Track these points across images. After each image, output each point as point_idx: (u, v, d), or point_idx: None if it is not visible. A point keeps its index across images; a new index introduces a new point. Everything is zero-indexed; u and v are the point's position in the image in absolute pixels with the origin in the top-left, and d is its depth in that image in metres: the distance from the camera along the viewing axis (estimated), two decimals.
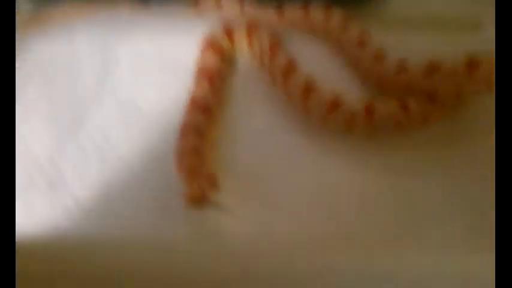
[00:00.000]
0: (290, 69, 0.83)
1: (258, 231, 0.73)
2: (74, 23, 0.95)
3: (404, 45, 0.86)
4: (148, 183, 0.78)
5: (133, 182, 0.79)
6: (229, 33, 0.88)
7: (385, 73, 0.81)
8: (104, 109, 0.86)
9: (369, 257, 0.71)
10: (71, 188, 0.79)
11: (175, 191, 0.72)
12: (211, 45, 0.87)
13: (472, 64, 0.75)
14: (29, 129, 0.84)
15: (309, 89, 0.81)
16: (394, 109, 0.78)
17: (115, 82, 0.89)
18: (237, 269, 0.70)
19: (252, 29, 0.88)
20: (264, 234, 0.73)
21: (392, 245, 0.72)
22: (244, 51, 0.90)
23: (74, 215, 0.76)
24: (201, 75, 0.85)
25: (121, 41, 0.92)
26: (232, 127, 0.83)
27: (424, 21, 0.91)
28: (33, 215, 0.76)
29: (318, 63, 0.88)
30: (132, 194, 0.78)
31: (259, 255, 0.72)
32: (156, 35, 0.93)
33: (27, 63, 0.91)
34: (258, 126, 0.83)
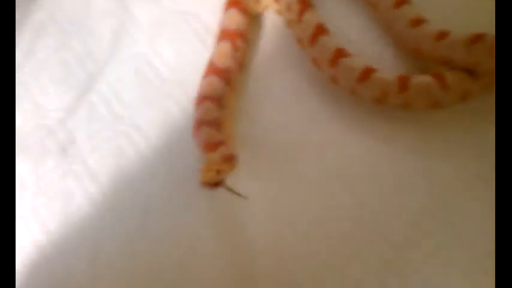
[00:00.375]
0: (319, 31, 0.76)
1: (279, 217, 0.69)
2: None
3: (447, 11, 0.78)
4: (164, 155, 0.74)
5: (148, 150, 0.75)
6: None
7: (422, 39, 0.74)
8: (119, 70, 0.81)
9: (393, 246, 0.66)
10: (82, 153, 0.75)
11: (194, 165, 0.67)
12: (236, 3, 0.80)
13: None
14: (39, 89, 0.80)
15: (338, 54, 0.74)
16: (430, 82, 0.72)
17: (131, 42, 0.83)
18: (257, 263, 0.67)
19: None
20: (285, 220, 0.69)
21: (418, 236, 0.67)
22: (270, 10, 0.83)
23: (84, 183, 0.73)
24: (222, 36, 0.78)
25: None
26: (254, 95, 0.77)
27: None
28: (44, 181, 0.73)
29: (350, 26, 0.81)
30: (147, 164, 0.74)
31: (282, 248, 0.67)
32: None
33: (39, 18, 0.86)
34: (282, 94, 0.77)
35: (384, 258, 0.66)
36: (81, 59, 0.82)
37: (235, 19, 0.79)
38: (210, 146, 0.67)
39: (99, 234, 0.70)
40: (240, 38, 0.78)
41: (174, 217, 0.70)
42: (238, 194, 0.65)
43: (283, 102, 0.77)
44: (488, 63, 0.70)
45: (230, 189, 0.65)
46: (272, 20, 0.83)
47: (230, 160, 0.66)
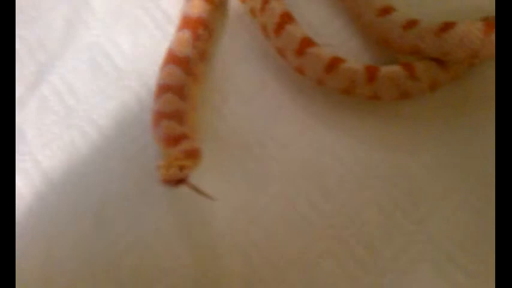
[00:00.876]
0: (285, 20, 0.73)
1: (245, 216, 0.65)
2: None
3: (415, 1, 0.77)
4: (121, 151, 0.70)
5: (103, 147, 0.70)
6: None
7: (390, 29, 0.72)
8: (72, 61, 0.76)
9: (363, 243, 0.64)
10: (32, 149, 0.70)
11: (153, 161, 0.63)
12: None
13: (490, 25, 0.66)
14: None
15: (305, 43, 0.71)
16: (399, 71, 0.69)
17: (85, 31, 0.78)
18: (221, 262, 0.63)
19: None
20: (250, 216, 0.65)
21: (388, 226, 0.65)
22: None
23: (34, 181, 0.68)
24: (183, 24, 0.74)
25: None
26: (218, 86, 0.74)
27: None
28: None
29: (315, 15, 0.78)
30: (103, 162, 0.69)
31: (247, 246, 0.64)
32: None
33: None
34: (246, 85, 0.74)
35: (355, 254, 0.63)
36: (31, 49, 0.77)
37: (198, 7, 0.75)
38: (171, 140, 0.63)
39: (51, 236, 0.65)
40: (202, 26, 0.74)
41: (132, 215, 0.66)
42: (203, 194, 0.61)
43: (248, 93, 0.73)
44: (457, 52, 0.68)
45: (194, 188, 0.60)
46: (235, 9, 0.79)
47: (193, 155, 0.62)
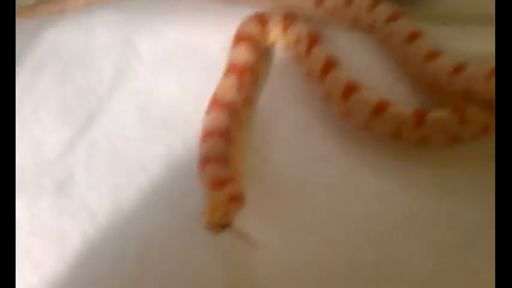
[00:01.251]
0: (330, 65, 0.74)
1: (287, 262, 0.64)
2: (91, 9, 0.87)
3: (461, 44, 0.76)
4: (167, 195, 0.70)
5: (149, 188, 0.70)
6: (263, 22, 0.79)
7: (439, 74, 0.71)
8: (121, 106, 0.78)
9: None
10: (80, 191, 0.71)
11: (197, 205, 0.63)
12: (245, 38, 0.77)
13: None
14: (38, 125, 0.77)
15: (350, 88, 0.71)
16: (448, 116, 0.68)
17: (134, 77, 0.80)
18: None
19: (288, 18, 0.79)
20: (293, 265, 0.64)
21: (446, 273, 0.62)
22: (278, 44, 0.80)
23: (82, 222, 0.68)
24: (229, 70, 0.75)
25: (142, 31, 0.84)
26: (262, 131, 0.74)
27: (484, 18, 0.80)
28: (39, 220, 0.69)
29: (361, 60, 0.78)
30: (148, 203, 0.69)
31: None
32: (182, 25, 0.84)
33: (40, 52, 0.83)
34: (290, 131, 0.74)
35: None
36: (82, 94, 0.79)
37: (244, 54, 0.76)
38: (217, 183, 0.63)
39: (96, 277, 0.65)
40: (248, 72, 0.75)
41: (175, 259, 0.65)
42: (248, 240, 0.60)
43: (292, 139, 0.73)
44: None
45: (239, 234, 0.59)
46: (280, 55, 0.80)
47: (238, 199, 0.61)
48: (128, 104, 0.78)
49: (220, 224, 0.58)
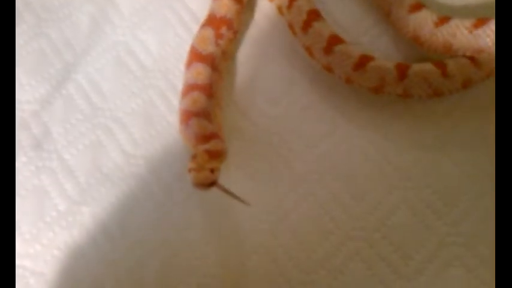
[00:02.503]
0: (312, 17, 0.72)
1: (272, 216, 0.64)
2: None
3: None
4: (146, 149, 0.69)
5: (128, 143, 0.69)
6: None
7: (422, 25, 0.70)
8: (98, 60, 0.76)
9: (395, 245, 0.62)
10: (57, 147, 0.69)
11: (177, 160, 0.62)
12: None
13: None
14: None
15: (333, 41, 0.70)
16: (430, 69, 0.67)
17: (111, 30, 0.78)
18: (247, 262, 0.62)
19: None
20: (277, 217, 0.64)
21: (420, 228, 0.63)
22: None
23: (59, 179, 0.67)
24: (206, 22, 0.73)
25: None
26: (244, 85, 0.73)
27: None
28: (16, 178, 0.68)
29: (344, 12, 0.76)
30: (127, 159, 0.68)
31: (274, 246, 0.62)
32: None
33: (16, 4, 0.80)
34: (273, 84, 0.72)
35: (386, 257, 0.61)
36: (57, 48, 0.77)
37: (225, 6, 0.74)
38: (202, 138, 0.62)
39: (75, 234, 0.65)
40: (225, 25, 0.73)
41: (158, 215, 0.65)
42: (235, 196, 0.59)
43: (275, 93, 0.72)
44: (492, 49, 0.66)
45: (226, 190, 0.59)
46: (263, 7, 0.78)
47: (221, 155, 0.61)
48: (105, 58, 0.76)
49: (208, 182, 0.57)
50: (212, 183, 0.58)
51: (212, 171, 0.58)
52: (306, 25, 0.72)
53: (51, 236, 0.64)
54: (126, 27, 0.78)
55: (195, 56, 0.71)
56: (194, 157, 0.59)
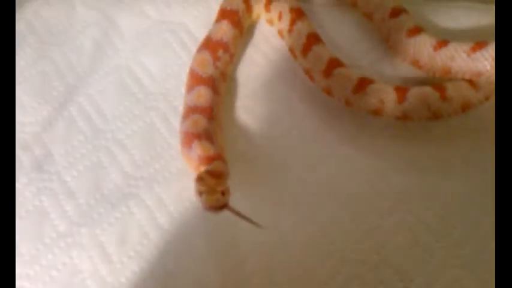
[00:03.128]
0: (312, 40, 0.73)
1: (271, 238, 0.63)
2: None
3: (443, 20, 0.76)
4: (147, 171, 0.69)
5: (129, 165, 0.69)
6: None
7: (421, 48, 0.71)
8: (100, 82, 0.76)
9: (394, 268, 0.62)
10: (58, 169, 0.70)
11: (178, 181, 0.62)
12: (228, 15, 0.76)
13: None
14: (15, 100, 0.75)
15: (332, 64, 0.71)
16: (429, 92, 0.68)
17: (114, 53, 0.79)
18: (247, 283, 0.61)
19: None
20: (277, 239, 0.63)
21: (420, 251, 0.62)
22: (261, 20, 0.79)
23: (60, 200, 0.67)
24: (203, 46, 0.74)
25: (123, 7, 0.83)
26: (244, 107, 0.73)
27: None
28: (16, 199, 0.68)
29: (343, 36, 0.78)
30: (128, 181, 0.68)
31: (273, 269, 0.62)
32: (162, 1, 0.83)
33: (18, 30, 0.81)
34: (273, 106, 0.73)
35: (385, 280, 0.61)
36: (60, 70, 0.78)
37: (221, 30, 0.75)
38: (207, 160, 0.62)
39: (74, 255, 0.64)
40: (221, 48, 0.74)
41: (157, 237, 0.65)
42: (247, 219, 0.59)
43: (276, 114, 0.73)
44: (490, 72, 0.66)
45: (238, 213, 0.58)
46: (264, 31, 0.79)
47: (221, 176, 0.60)
48: (107, 81, 0.76)
49: (220, 205, 0.57)
50: (224, 206, 0.57)
51: (223, 193, 0.57)
52: (306, 48, 0.73)
53: (50, 258, 0.64)
54: (128, 50, 0.79)
55: (196, 79, 0.71)
56: (201, 179, 0.58)
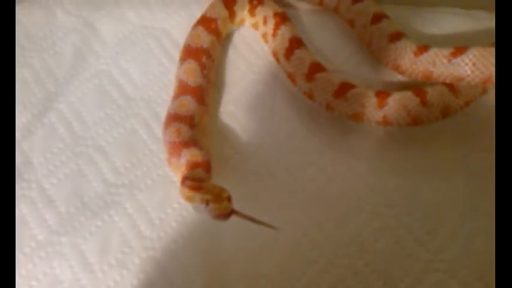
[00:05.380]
0: (295, 44, 0.73)
1: (254, 244, 0.63)
2: None
3: (424, 26, 0.77)
4: (128, 178, 0.68)
5: (110, 173, 0.69)
6: (230, 3, 0.77)
7: (402, 54, 0.71)
8: (81, 89, 0.75)
9: (377, 273, 0.62)
10: (38, 177, 0.68)
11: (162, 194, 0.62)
12: (204, 22, 0.76)
13: None
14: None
15: (314, 69, 0.71)
16: (410, 97, 0.68)
17: (94, 59, 0.78)
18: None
19: None
20: (260, 248, 0.63)
21: (403, 255, 0.62)
22: (244, 24, 0.79)
23: (40, 209, 0.66)
24: (186, 54, 0.73)
25: (103, 12, 0.82)
26: (228, 113, 0.73)
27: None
28: None
29: (326, 41, 0.78)
30: (109, 190, 0.68)
31: (255, 276, 0.62)
32: (144, 6, 0.82)
33: None
34: (257, 112, 0.73)
35: (369, 285, 0.61)
36: (39, 77, 0.77)
37: (199, 37, 0.74)
38: (192, 166, 0.62)
39: (55, 264, 0.63)
40: (205, 55, 0.73)
41: (139, 244, 0.64)
42: (259, 222, 0.58)
43: (258, 120, 0.72)
44: (470, 77, 0.67)
45: (248, 217, 0.57)
46: (247, 36, 0.79)
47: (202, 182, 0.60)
48: (87, 88, 0.76)
49: (228, 211, 0.56)
50: (231, 212, 0.56)
51: (229, 199, 0.57)
52: (289, 52, 0.73)
53: (30, 267, 0.63)
54: (109, 56, 0.78)
55: (184, 88, 0.71)
56: (200, 188, 0.58)
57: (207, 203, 0.56)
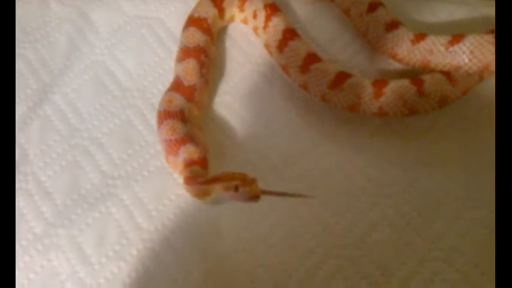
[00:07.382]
0: (288, 36, 0.72)
1: (252, 235, 0.63)
2: None
3: (420, 12, 0.76)
4: (124, 170, 0.68)
5: (106, 164, 0.68)
6: (216, 0, 0.76)
7: (399, 42, 0.70)
8: (75, 80, 0.75)
9: (375, 263, 0.62)
10: (34, 170, 0.68)
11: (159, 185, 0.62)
12: (195, 22, 0.74)
13: None
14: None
15: (309, 60, 0.70)
16: (407, 86, 0.68)
17: (89, 50, 0.78)
18: (228, 280, 0.61)
19: None
20: (258, 238, 0.63)
21: (401, 245, 0.63)
22: (234, 19, 0.78)
23: (36, 202, 0.66)
24: (185, 54, 0.72)
25: (97, 2, 0.81)
26: (223, 105, 0.73)
27: None
28: None
29: (320, 30, 0.77)
30: (105, 181, 0.67)
31: (254, 266, 0.62)
32: None
33: None
34: (252, 103, 0.72)
35: (367, 275, 0.61)
36: (34, 68, 0.76)
37: (194, 37, 0.73)
38: (189, 163, 0.63)
39: (52, 257, 0.63)
40: (203, 53, 0.72)
41: (136, 236, 0.64)
42: (290, 194, 0.58)
43: (254, 111, 0.72)
44: (467, 65, 0.66)
45: (278, 193, 0.58)
46: (239, 30, 0.78)
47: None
48: (82, 79, 0.75)
49: (259, 192, 0.56)
50: (261, 192, 0.56)
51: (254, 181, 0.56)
52: (282, 44, 0.72)
53: (27, 260, 0.63)
54: (104, 47, 0.78)
55: (177, 87, 0.70)
56: (217, 179, 0.58)
57: (236, 188, 0.56)
